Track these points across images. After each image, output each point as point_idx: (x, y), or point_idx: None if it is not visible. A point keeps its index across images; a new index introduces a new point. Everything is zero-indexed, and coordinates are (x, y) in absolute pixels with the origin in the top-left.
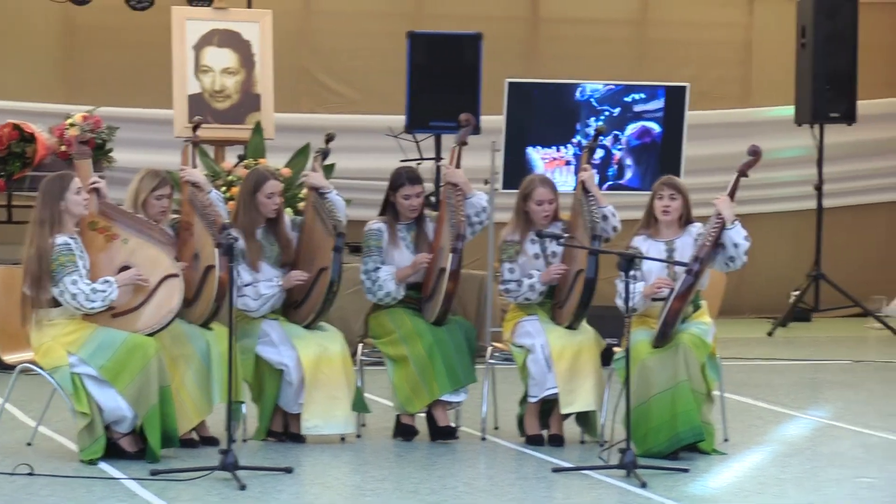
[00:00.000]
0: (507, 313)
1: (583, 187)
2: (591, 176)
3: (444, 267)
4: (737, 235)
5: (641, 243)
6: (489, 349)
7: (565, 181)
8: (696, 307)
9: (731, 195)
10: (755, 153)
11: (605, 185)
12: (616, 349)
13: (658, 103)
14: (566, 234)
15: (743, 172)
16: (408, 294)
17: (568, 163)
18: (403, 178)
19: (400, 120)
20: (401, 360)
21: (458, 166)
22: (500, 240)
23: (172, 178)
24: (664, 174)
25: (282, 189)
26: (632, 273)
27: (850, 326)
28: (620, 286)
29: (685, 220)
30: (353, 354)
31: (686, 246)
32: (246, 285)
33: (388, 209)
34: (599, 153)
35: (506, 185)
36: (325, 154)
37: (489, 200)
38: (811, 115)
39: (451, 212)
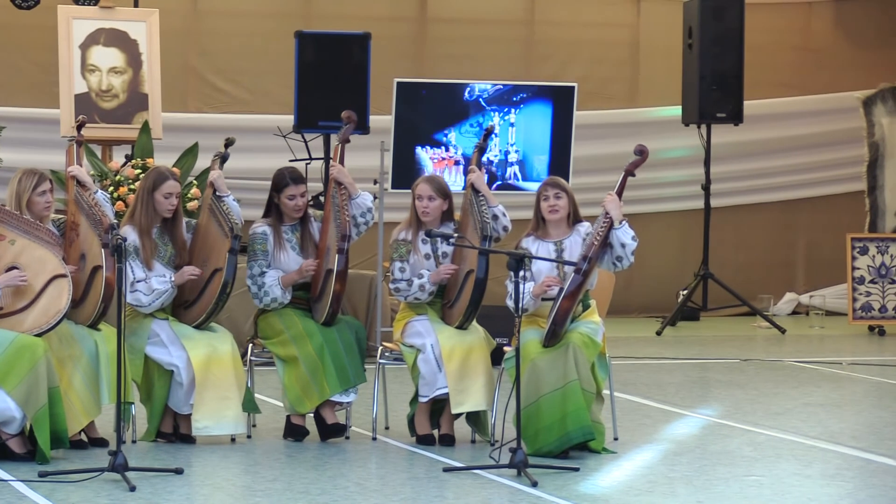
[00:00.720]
0: (398, 313)
1: (472, 187)
2: (480, 176)
3: (331, 268)
4: (624, 235)
5: (531, 244)
6: (379, 349)
7: (454, 181)
8: (586, 307)
9: (619, 194)
10: (642, 152)
11: (495, 185)
12: (506, 349)
13: (545, 104)
14: (456, 234)
15: (630, 172)
16: (297, 294)
17: (457, 163)
18: (286, 178)
19: (288, 120)
20: (291, 360)
21: (342, 164)
22: (391, 239)
23: (57, 179)
24: (553, 174)
25: (179, 190)
26: (521, 273)
27: (737, 325)
28: (510, 286)
29: (573, 219)
30: (243, 355)
31: (575, 245)
32: (138, 281)
33: (273, 211)
34: (494, 153)
35: (395, 185)
36: (223, 158)
37: (377, 200)
38: (698, 115)
39: (336, 212)
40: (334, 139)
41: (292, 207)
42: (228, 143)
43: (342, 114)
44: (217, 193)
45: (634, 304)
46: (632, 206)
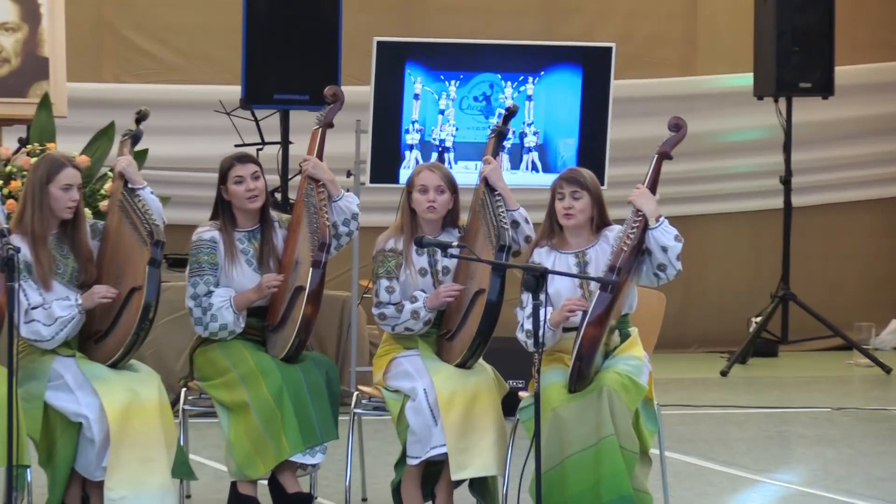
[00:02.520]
0: (379, 347)
1: (486, 184)
2: (497, 169)
3: (300, 285)
4: (664, 235)
5: (545, 257)
6: (355, 395)
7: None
8: (625, 336)
9: (652, 186)
10: (678, 127)
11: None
12: (522, 395)
13: (573, 71)
14: (460, 244)
15: (665, 154)
16: (249, 322)
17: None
18: (230, 159)
19: (235, 92)
20: (239, 408)
21: (320, 157)
22: (374, 249)
23: None
24: (583, 164)
25: (80, 182)
26: (542, 295)
27: (828, 363)
28: (524, 313)
29: (598, 223)
30: (174, 402)
31: (602, 256)
32: (34, 308)
33: (223, 211)
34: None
35: (375, 178)
36: (135, 137)
37: (359, 203)
38: (775, 86)
39: (313, 214)
40: (295, 117)
41: (243, 195)
42: (141, 116)
43: (325, 90)
44: (129, 186)
45: (691, 334)
46: (685, 205)
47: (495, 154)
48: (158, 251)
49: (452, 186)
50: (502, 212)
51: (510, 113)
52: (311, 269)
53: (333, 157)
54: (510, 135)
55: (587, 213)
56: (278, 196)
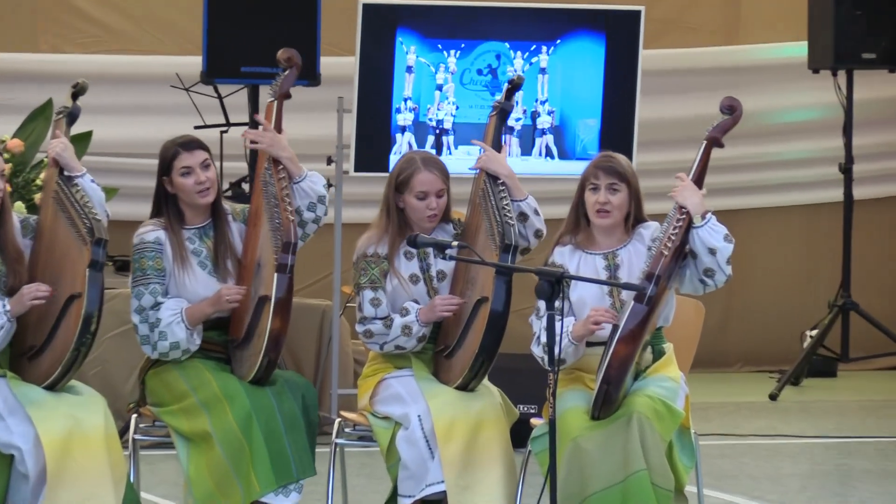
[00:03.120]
0: (366, 366)
1: (486, 173)
2: (494, 158)
3: (265, 294)
4: (711, 235)
5: (568, 257)
6: (336, 422)
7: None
8: (658, 354)
9: (698, 179)
10: (732, 109)
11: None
12: (535, 422)
13: (595, 39)
14: (459, 243)
15: (715, 141)
16: (208, 336)
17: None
18: (173, 146)
19: (195, 64)
20: (200, 439)
21: (278, 130)
22: (355, 253)
23: None
24: (607, 148)
25: (7, 170)
26: (560, 303)
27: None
28: (540, 324)
29: (634, 219)
30: (123, 431)
31: (637, 258)
32: None
33: (167, 207)
34: (515, 115)
35: (361, 166)
36: (71, 116)
37: (332, 189)
38: (833, 57)
39: (273, 206)
40: (266, 93)
41: (193, 188)
42: (78, 90)
43: (278, 54)
44: (65, 173)
45: (735, 350)
46: (726, 198)
47: (498, 136)
48: (100, 251)
49: (448, 179)
50: (507, 204)
51: (514, 85)
52: (275, 272)
53: (311, 139)
54: (520, 114)
55: (624, 209)
56: (246, 187)
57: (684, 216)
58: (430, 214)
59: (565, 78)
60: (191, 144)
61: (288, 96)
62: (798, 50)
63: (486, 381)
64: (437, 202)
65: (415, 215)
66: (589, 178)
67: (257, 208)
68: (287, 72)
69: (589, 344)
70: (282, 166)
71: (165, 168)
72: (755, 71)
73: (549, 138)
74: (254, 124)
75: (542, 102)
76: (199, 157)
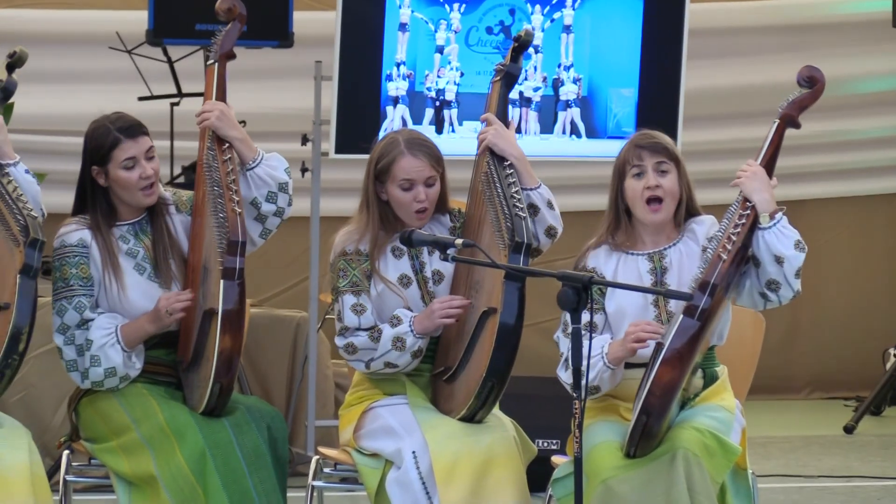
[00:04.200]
0: (350, 391)
1: (491, 152)
2: (503, 133)
3: (212, 307)
4: (780, 241)
5: (604, 261)
6: (314, 461)
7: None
8: (711, 379)
9: (769, 165)
10: (812, 81)
11: (530, 149)
12: (557, 460)
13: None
14: (466, 241)
15: (790, 120)
16: (153, 356)
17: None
18: (111, 131)
19: (139, 21)
20: (143, 482)
21: (221, 100)
22: (333, 251)
23: None
24: (645, 127)
25: None
26: (588, 316)
27: None
28: (566, 343)
29: (684, 210)
30: (52, 471)
31: (688, 260)
32: None
33: (95, 201)
34: (533, 84)
35: (343, 146)
36: (6, 92)
37: (309, 174)
38: None
39: (216, 197)
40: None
41: (137, 184)
42: (15, 60)
43: (217, 5)
44: None
45: (802, 373)
46: (790, 186)
47: (503, 107)
48: (35, 254)
49: (439, 164)
50: (517, 192)
51: (521, 43)
52: (221, 279)
53: (282, 115)
54: (539, 82)
55: (677, 196)
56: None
57: (749, 212)
58: (418, 208)
59: (595, 38)
60: (133, 129)
61: (231, 56)
62: (880, 4)
63: (496, 410)
64: (425, 193)
65: (400, 209)
66: (630, 160)
67: (202, 199)
68: (229, 26)
69: (628, 366)
70: (228, 146)
71: (100, 157)
72: (827, 29)
73: (575, 112)
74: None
75: (567, 68)
76: (143, 146)
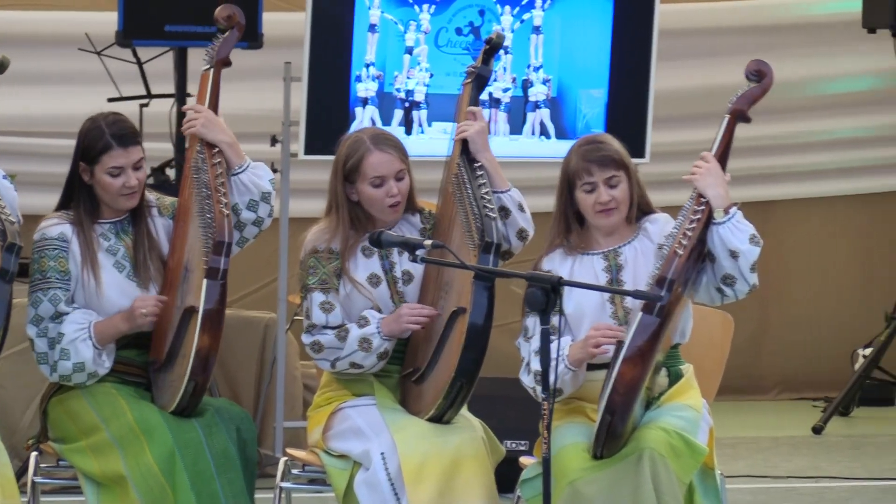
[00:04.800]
0: (318, 392)
1: (464, 151)
2: (484, 130)
3: (192, 306)
4: (734, 235)
5: (559, 264)
6: (282, 462)
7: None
8: (675, 378)
9: (721, 160)
10: (760, 75)
11: (500, 150)
12: (525, 461)
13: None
14: (434, 242)
15: (740, 114)
16: (123, 356)
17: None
18: (105, 134)
19: (109, 22)
20: (112, 482)
21: (213, 110)
22: (303, 250)
23: None
24: (612, 126)
25: None
26: (554, 318)
27: None
28: (529, 347)
29: (636, 209)
30: (21, 473)
31: (644, 257)
32: None
33: (79, 198)
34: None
35: (312, 148)
36: None
37: (278, 175)
38: (893, 15)
39: (204, 199)
40: (195, 57)
41: (119, 191)
42: None
43: (217, 12)
44: None
45: (771, 373)
46: (760, 186)
47: (475, 107)
48: (11, 259)
49: (407, 157)
50: (487, 192)
51: (492, 46)
52: (205, 278)
53: (251, 116)
54: (509, 83)
55: (629, 200)
56: (171, 173)
57: (703, 208)
58: (391, 203)
59: (564, 39)
60: (126, 138)
61: (227, 63)
62: (850, 4)
63: (465, 411)
64: (397, 187)
65: (373, 207)
66: (580, 175)
67: (187, 201)
68: (227, 33)
69: (591, 367)
70: (217, 150)
71: (88, 157)
72: (797, 30)
73: (545, 113)
74: (181, 97)
75: (536, 69)
76: (133, 157)
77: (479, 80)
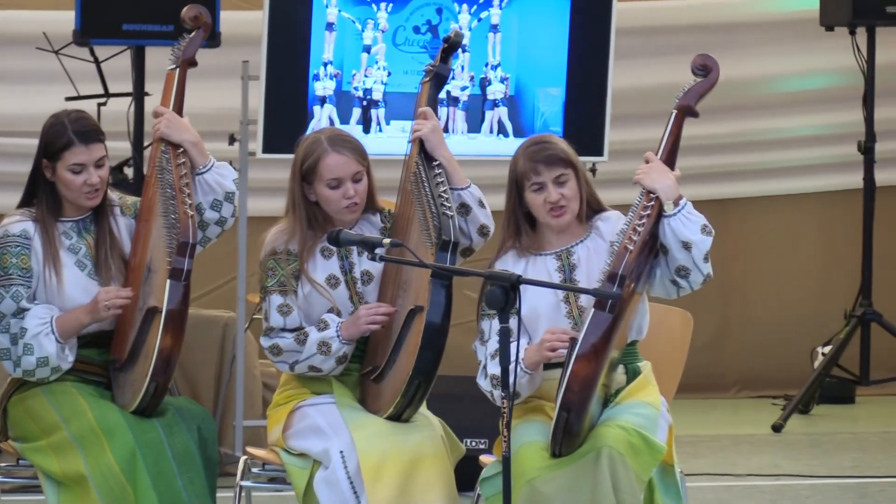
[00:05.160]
0: (278, 391)
1: (422, 150)
2: (438, 129)
3: (154, 306)
4: (685, 226)
5: (512, 265)
6: (242, 460)
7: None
8: (633, 374)
9: (669, 158)
10: (706, 69)
11: (458, 148)
12: (485, 460)
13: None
14: (392, 240)
15: (688, 110)
16: (84, 355)
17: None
18: (67, 131)
19: (66, 21)
20: (72, 482)
21: (178, 110)
22: (262, 251)
23: None
24: (570, 124)
25: None
26: (513, 318)
27: None
28: (485, 351)
29: (586, 207)
30: None
31: (596, 256)
32: None
33: (43, 195)
34: (460, 83)
35: (270, 146)
36: None
37: (236, 179)
38: (851, 13)
39: (168, 199)
40: (154, 56)
41: (81, 189)
42: None
43: (183, 11)
44: None
45: (731, 371)
46: (719, 185)
47: (432, 108)
48: None
49: (365, 158)
50: (444, 191)
51: (451, 45)
52: (168, 278)
53: (209, 115)
54: (466, 81)
55: (579, 198)
56: (129, 172)
57: (653, 202)
58: (347, 204)
59: (522, 37)
60: (88, 135)
61: (193, 63)
62: (808, 2)
63: (424, 409)
64: (354, 188)
65: (331, 207)
66: (528, 176)
67: (150, 201)
68: (193, 33)
69: (547, 367)
70: (182, 150)
71: (50, 154)
72: (755, 28)
73: (503, 111)
74: (139, 96)
75: (494, 67)
76: (95, 154)
77: (438, 78)
